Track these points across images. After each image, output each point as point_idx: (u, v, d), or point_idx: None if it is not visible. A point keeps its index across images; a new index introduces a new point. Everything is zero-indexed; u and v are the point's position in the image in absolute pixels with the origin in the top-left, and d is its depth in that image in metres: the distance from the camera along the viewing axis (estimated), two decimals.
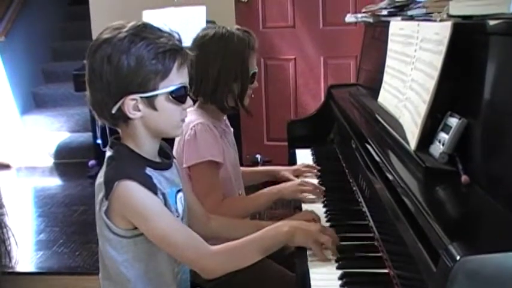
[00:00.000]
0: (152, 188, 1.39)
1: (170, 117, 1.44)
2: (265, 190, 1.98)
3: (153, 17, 3.93)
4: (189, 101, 1.46)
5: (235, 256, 1.47)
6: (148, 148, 1.46)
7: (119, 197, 1.37)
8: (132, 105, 1.38)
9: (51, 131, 5.60)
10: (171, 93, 1.40)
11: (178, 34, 1.44)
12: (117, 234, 1.41)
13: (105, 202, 1.39)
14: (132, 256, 1.44)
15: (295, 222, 1.55)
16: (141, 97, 1.38)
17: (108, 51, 1.36)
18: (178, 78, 1.41)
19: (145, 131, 1.43)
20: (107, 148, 1.48)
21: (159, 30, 1.41)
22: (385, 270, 1.34)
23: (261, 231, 1.49)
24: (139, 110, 1.39)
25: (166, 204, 1.43)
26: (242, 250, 1.47)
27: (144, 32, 1.38)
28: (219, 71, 1.88)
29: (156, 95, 1.39)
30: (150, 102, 1.39)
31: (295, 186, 1.97)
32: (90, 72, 1.40)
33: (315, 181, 2.09)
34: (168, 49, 1.37)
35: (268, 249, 1.48)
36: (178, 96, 1.42)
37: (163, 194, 1.42)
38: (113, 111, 1.39)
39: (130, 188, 1.36)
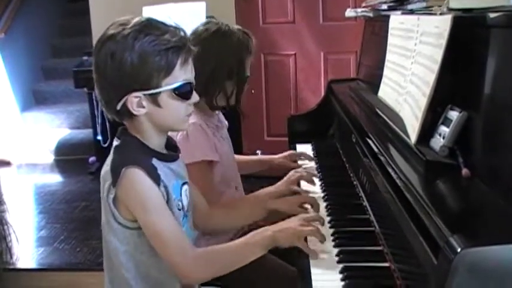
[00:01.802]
0: (156, 179, 1.39)
1: (175, 113, 1.44)
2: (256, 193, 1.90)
3: (153, 13, 3.93)
4: (194, 96, 1.46)
5: (217, 263, 1.45)
6: (155, 141, 1.46)
7: (125, 183, 1.37)
8: (135, 102, 1.38)
9: (52, 128, 5.60)
10: (174, 90, 1.40)
11: (183, 30, 1.43)
12: (121, 224, 1.42)
13: (112, 190, 1.40)
14: (134, 248, 1.44)
15: (277, 226, 1.50)
16: (144, 94, 1.38)
17: (112, 48, 1.36)
18: (182, 74, 1.40)
19: (151, 126, 1.44)
20: (115, 138, 1.48)
21: (164, 25, 1.40)
22: (386, 264, 1.34)
23: (244, 237, 1.48)
24: (143, 107, 1.39)
25: (168, 197, 1.43)
26: (225, 257, 1.46)
27: (148, 28, 1.37)
28: (214, 67, 1.87)
29: (160, 92, 1.39)
30: (154, 99, 1.39)
31: (284, 181, 1.92)
32: (96, 68, 1.40)
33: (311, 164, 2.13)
34: (171, 46, 1.37)
35: (251, 256, 1.45)
36: (182, 93, 1.41)
37: (165, 187, 1.42)
38: (118, 108, 1.39)
39: (136, 176, 1.37)
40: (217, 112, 2.04)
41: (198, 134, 1.86)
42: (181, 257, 1.40)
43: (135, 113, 1.40)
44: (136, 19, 1.40)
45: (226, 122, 2.10)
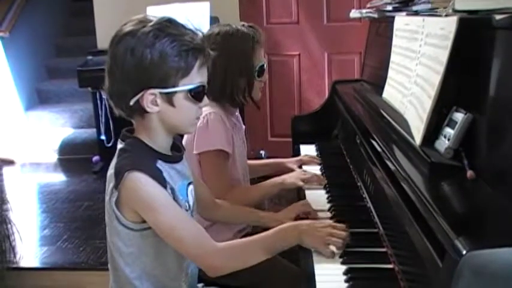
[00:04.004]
0: (162, 181, 1.40)
1: (186, 114, 1.44)
2: (269, 180, 2.03)
3: (157, 13, 3.92)
4: (205, 99, 1.47)
5: (242, 255, 1.46)
6: (161, 142, 1.47)
7: (128, 188, 1.37)
8: (150, 99, 1.39)
9: (55, 127, 5.61)
10: (189, 91, 1.41)
11: (202, 33, 1.45)
12: (125, 226, 1.42)
13: (115, 192, 1.40)
14: (139, 249, 1.44)
15: (305, 225, 1.52)
16: (160, 92, 1.39)
17: (132, 44, 1.36)
18: (198, 77, 1.41)
19: (161, 125, 1.44)
20: (118, 140, 1.48)
21: (184, 27, 1.41)
22: (390, 266, 1.34)
23: (271, 231, 1.48)
24: (157, 105, 1.40)
25: (174, 199, 1.43)
26: (249, 249, 1.47)
27: (169, 28, 1.38)
28: (225, 68, 1.91)
29: (175, 92, 1.40)
30: (169, 98, 1.40)
31: (296, 174, 2.04)
32: (112, 62, 1.40)
33: (317, 171, 2.15)
34: (191, 47, 1.38)
35: (275, 250, 1.47)
36: (196, 95, 1.42)
37: (172, 189, 1.43)
38: (131, 103, 1.39)
39: (139, 179, 1.37)
40: (237, 113, 2.08)
41: (218, 124, 1.90)
42: (201, 249, 1.42)
43: (148, 110, 1.40)
44: (157, 18, 1.41)
45: (243, 126, 2.15)
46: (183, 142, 1.68)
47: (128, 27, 1.39)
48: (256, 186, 2.04)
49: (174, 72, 1.37)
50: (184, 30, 1.40)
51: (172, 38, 1.36)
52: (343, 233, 1.48)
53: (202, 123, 1.87)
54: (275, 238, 1.47)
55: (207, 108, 1.88)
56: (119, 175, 1.38)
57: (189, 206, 1.50)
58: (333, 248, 1.45)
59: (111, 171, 1.43)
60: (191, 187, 1.53)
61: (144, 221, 1.41)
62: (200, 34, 1.43)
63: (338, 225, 1.52)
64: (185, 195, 1.49)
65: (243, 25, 1.99)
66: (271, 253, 1.47)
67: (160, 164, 1.44)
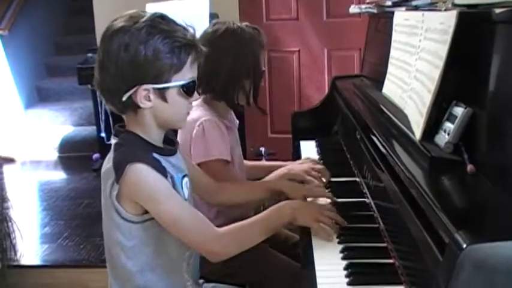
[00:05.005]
0: (162, 171, 1.41)
1: (178, 109, 1.46)
2: (274, 173, 1.96)
3: (156, 10, 3.91)
4: (195, 94, 1.48)
5: (241, 238, 1.50)
6: (154, 135, 1.47)
7: (130, 180, 1.38)
8: (143, 95, 1.40)
9: (55, 125, 5.61)
10: (182, 86, 1.42)
11: (193, 29, 1.46)
12: (126, 219, 1.42)
13: (115, 186, 1.40)
14: (141, 241, 1.45)
15: (296, 203, 1.58)
16: (153, 88, 1.39)
17: (126, 40, 1.36)
18: (190, 72, 1.43)
19: (153, 120, 1.45)
20: (112, 136, 1.49)
21: (175, 23, 1.43)
22: (391, 261, 1.34)
23: (265, 212, 1.53)
24: (150, 100, 1.41)
25: (174, 187, 1.44)
26: (247, 232, 1.50)
27: (161, 24, 1.39)
28: (232, 67, 1.86)
29: (168, 88, 1.41)
30: (162, 94, 1.41)
31: (304, 167, 1.94)
32: (105, 57, 1.40)
33: None
34: (184, 44, 1.39)
35: (271, 230, 1.52)
36: (188, 90, 1.44)
37: (172, 177, 1.44)
38: (124, 99, 1.40)
39: (141, 171, 1.38)
40: (230, 113, 2.03)
41: (214, 131, 1.85)
42: (203, 236, 1.44)
43: (141, 105, 1.41)
44: (149, 14, 1.42)
45: (237, 121, 2.09)
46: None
47: (120, 23, 1.39)
48: (260, 182, 1.96)
49: (167, 69, 1.39)
50: (176, 26, 1.41)
51: (165, 35, 1.37)
52: (332, 208, 1.57)
53: (198, 131, 1.83)
54: (271, 218, 1.52)
55: (201, 115, 1.85)
56: (119, 169, 1.38)
57: (184, 198, 1.50)
58: (325, 226, 1.51)
59: (107, 166, 1.43)
60: (186, 180, 1.53)
61: (145, 213, 1.42)
62: (191, 30, 1.45)
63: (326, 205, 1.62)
64: (180, 187, 1.49)
65: (247, 26, 1.94)
66: (268, 233, 1.52)
67: (156, 156, 1.44)
